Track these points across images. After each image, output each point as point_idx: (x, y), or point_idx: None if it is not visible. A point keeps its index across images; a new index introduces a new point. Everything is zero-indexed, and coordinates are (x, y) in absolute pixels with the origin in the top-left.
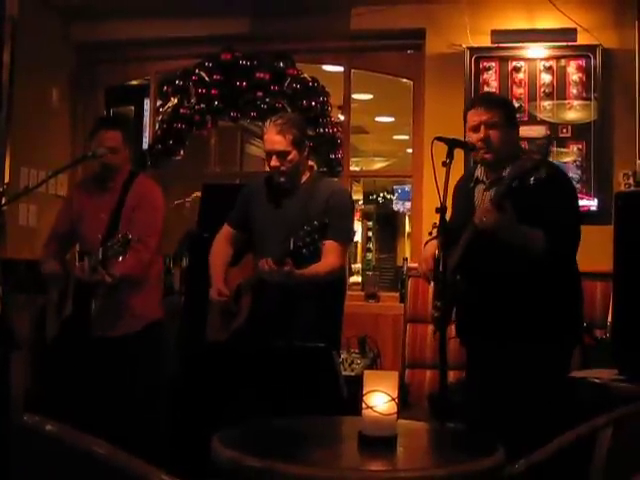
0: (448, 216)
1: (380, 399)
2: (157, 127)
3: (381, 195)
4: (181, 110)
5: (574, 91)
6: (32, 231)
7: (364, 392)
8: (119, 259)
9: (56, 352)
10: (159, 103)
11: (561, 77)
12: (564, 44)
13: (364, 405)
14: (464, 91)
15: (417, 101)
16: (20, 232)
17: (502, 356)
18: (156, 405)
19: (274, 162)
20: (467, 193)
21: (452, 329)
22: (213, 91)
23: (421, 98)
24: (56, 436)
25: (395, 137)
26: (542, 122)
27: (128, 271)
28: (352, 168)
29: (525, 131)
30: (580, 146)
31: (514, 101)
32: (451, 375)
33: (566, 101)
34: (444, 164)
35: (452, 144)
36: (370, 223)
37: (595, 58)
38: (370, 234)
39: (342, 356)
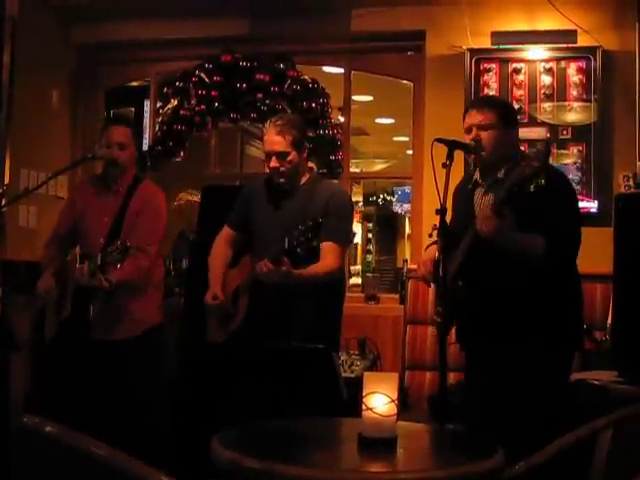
0: (448, 218)
1: (380, 401)
2: (157, 128)
3: (381, 197)
4: (181, 111)
5: (574, 93)
6: (32, 232)
7: (364, 394)
8: (117, 266)
9: (54, 353)
10: (159, 104)
11: (561, 79)
12: (564, 46)
13: (364, 407)
14: (464, 93)
15: (417, 103)
16: (20, 233)
17: (502, 360)
18: (155, 407)
19: (273, 163)
20: (466, 196)
21: (452, 334)
22: (213, 92)
23: (421, 100)
24: (56, 437)
25: (395, 139)
26: (542, 124)
27: (126, 277)
28: (352, 170)
29: (525, 133)
30: (580, 148)
31: (514, 103)
32: (451, 377)
33: (566, 103)
34: (444, 165)
35: (452, 146)
36: (370, 225)
37: (595, 60)
38: (370, 236)
39: (342, 358)
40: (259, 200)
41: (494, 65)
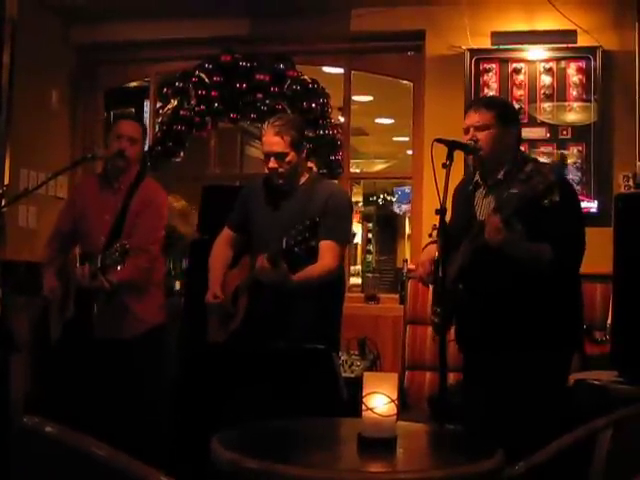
0: (448, 218)
1: (380, 401)
2: (157, 129)
3: (381, 197)
4: (181, 112)
5: (574, 93)
6: (32, 232)
7: (364, 394)
8: (117, 268)
9: (59, 354)
10: (159, 105)
11: (561, 79)
12: (564, 46)
13: (364, 407)
14: (464, 93)
15: (417, 103)
16: (20, 233)
17: (502, 361)
18: (157, 407)
19: (272, 164)
20: (467, 197)
21: (451, 332)
22: (213, 93)
23: (421, 100)
24: (56, 438)
25: (395, 139)
26: (542, 124)
27: (127, 277)
28: (352, 170)
29: (525, 133)
30: (580, 148)
31: (514, 103)
32: (451, 377)
33: (566, 103)
34: (444, 166)
35: (452, 146)
36: (370, 225)
37: (595, 60)
38: (370, 236)
39: (342, 358)
40: (258, 200)
41: (494, 65)
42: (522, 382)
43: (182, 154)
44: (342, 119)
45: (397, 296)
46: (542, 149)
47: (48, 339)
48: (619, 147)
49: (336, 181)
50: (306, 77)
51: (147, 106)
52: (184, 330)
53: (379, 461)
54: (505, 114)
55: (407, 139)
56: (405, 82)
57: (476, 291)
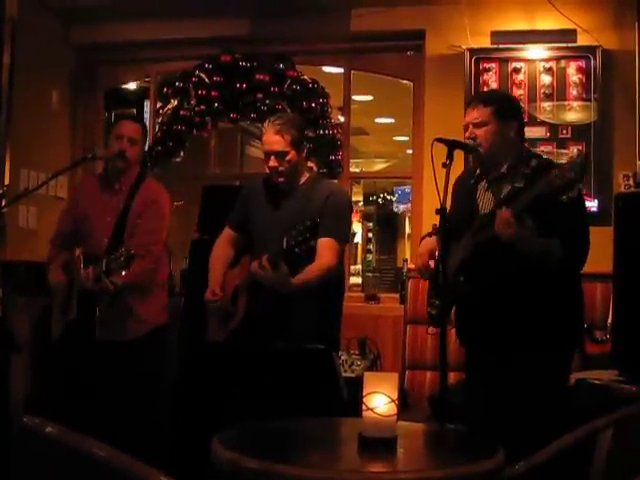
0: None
1: (380, 400)
2: (157, 129)
3: (381, 196)
4: (181, 112)
5: (574, 92)
6: (32, 233)
7: (364, 394)
8: (122, 273)
9: (60, 354)
10: (159, 105)
11: (561, 78)
12: (564, 45)
13: (364, 407)
14: (464, 92)
15: (417, 102)
16: (20, 234)
17: (502, 361)
18: (157, 407)
19: (272, 163)
20: (469, 189)
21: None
22: (213, 93)
23: (421, 99)
24: (56, 438)
25: (395, 138)
26: (542, 123)
27: (131, 280)
28: (352, 169)
29: (525, 132)
30: (580, 147)
31: None
32: (451, 376)
33: (566, 102)
34: (444, 165)
35: (452, 145)
36: (370, 224)
37: (595, 59)
38: (370, 235)
39: (342, 357)
40: (258, 200)
41: (494, 65)
42: (523, 381)
43: (182, 154)
44: (342, 119)
45: (397, 296)
46: (542, 148)
47: (49, 339)
48: (619, 146)
49: (336, 181)
50: (306, 77)
51: (147, 106)
52: (184, 330)
53: (379, 461)
54: (503, 109)
55: (407, 139)
56: (405, 82)
57: (477, 285)
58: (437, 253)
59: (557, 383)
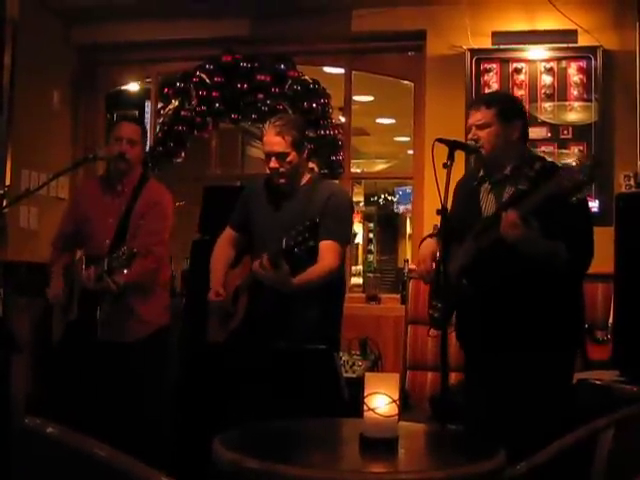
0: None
1: (381, 401)
2: (158, 129)
3: (382, 197)
4: (182, 112)
5: (575, 92)
6: (33, 233)
7: (365, 394)
8: (124, 272)
9: (61, 355)
10: (160, 105)
11: (562, 78)
12: (565, 45)
13: (365, 407)
14: (465, 93)
15: (418, 103)
16: (21, 234)
17: (503, 362)
18: (158, 408)
19: (273, 164)
20: (471, 191)
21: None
22: (214, 93)
23: (422, 100)
24: (57, 439)
25: (396, 139)
26: (543, 123)
27: (133, 280)
28: (353, 170)
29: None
30: (581, 147)
31: None
32: (452, 377)
33: (567, 102)
34: (445, 166)
35: (453, 146)
36: (371, 225)
37: (596, 59)
38: (371, 236)
39: (343, 358)
40: (259, 201)
41: (495, 65)
42: (523, 382)
43: (183, 154)
44: (343, 119)
45: (398, 296)
46: (543, 149)
47: (50, 340)
48: (620, 147)
49: (337, 181)
50: (307, 77)
51: (148, 107)
52: (185, 330)
53: (381, 461)
54: (506, 110)
55: (408, 139)
56: (406, 82)
57: (480, 288)
58: (438, 255)
59: (558, 384)
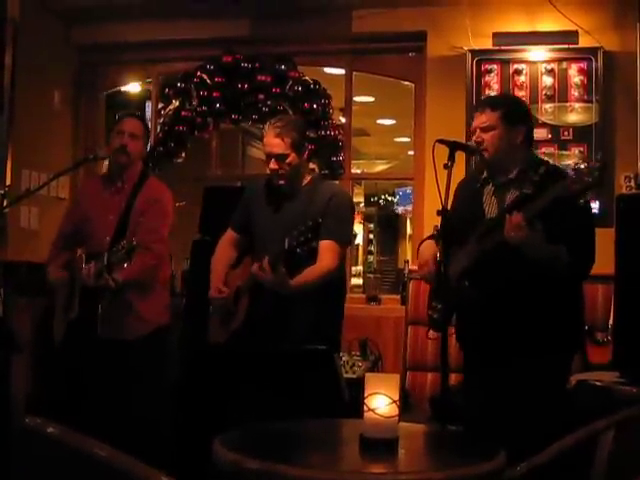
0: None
1: (381, 402)
2: (158, 129)
3: (382, 197)
4: (182, 112)
5: (575, 93)
6: (33, 233)
7: (365, 395)
8: (124, 266)
9: (62, 354)
10: (161, 105)
11: (562, 79)
12: (565, 46)
13: (365, 408)
14: (465, 94)
15: (418, 104)
16: (21, 234)
17: (503, 363)
18: (159, 408)
19: (273, 165)
20: (474, 193)
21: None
22: (215, 93)
23: (422, 100)
24: (58, 438)
25: (396, 139)
26: (544, 125)
27: (133, 276)
28: (353, 170)
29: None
30: (582, 148)
31: None
32: (452, 378)
33: (567, 103)
34: (445, 167)
35: (453, 147)
36: (371, 225)
37: (596, 60)
38: (371, 236)
39: (343, 358)
40: (260, 202)
41: (495, 66)
42: (523, 384)
43: (184, 155)
44: (343, 120)
45: (398, 297)
46: (543, 150)
47: (50, 339)
48: (621, 148)
49: (337, 182)
50: (307, 78)
51: (149, 107)
52: (185, 331)
53: (381, 462)
54: (511, 114)
55: (408, 140)
56: (406, 83)
57: (482, 290)
58: (438, 256)
59: (557, 385)
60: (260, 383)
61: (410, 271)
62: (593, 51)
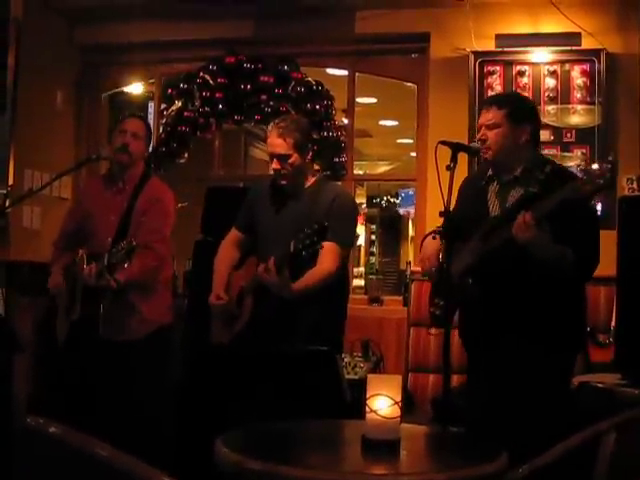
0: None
1: (383, 403)
2: (161, 130)
3: (385, 199)
4: (185, 113)
5: (578, 95)
6: (36, 233)
7: (367, 396)
8: (124, 266)
9: (65, 354)
10: (163, 106)
11: (565, 81)
12: (568, 48)
13: (367, 409)
14: (468, 95)
15: (421, 105)
16: (24, 234)
17: (505, 364)
18: (161, 408)
19: (275, 165)
20: (479, 191)
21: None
22: (217, 94)
23: (425, 102)
24: (59, 438)
25: (399, 141)
26: (546, 126)
27: (134, 277)
28: (356, 172)
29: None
30: (584, 150)
31: None
32: (454, 379)
33: (570, 105)
34: (448, 168)
35: (456, 148)
36: (374, 227)
37: (599, 62)
38: (373, 238)
39: (345, 360)
40: (264, 202)
41: (498, 68)
42: (525, 384)
43: (186, 155)
44: (346, 121)
45: (401, 298)
46: (546, 151)
47: (53, 340)
48: (623, 150)
49: (340, 183)
50: (310, 79)
51: (151, 107)
52: (188, 331)
53: (383, 463)
54: (517, 112)
55: (411, 141)
56: (409, 84)
57: (485, 288)
58: (441, 254)
59: (559, 386)
60: (262, 384)
61: (412, 272)
62: (596, 53)
